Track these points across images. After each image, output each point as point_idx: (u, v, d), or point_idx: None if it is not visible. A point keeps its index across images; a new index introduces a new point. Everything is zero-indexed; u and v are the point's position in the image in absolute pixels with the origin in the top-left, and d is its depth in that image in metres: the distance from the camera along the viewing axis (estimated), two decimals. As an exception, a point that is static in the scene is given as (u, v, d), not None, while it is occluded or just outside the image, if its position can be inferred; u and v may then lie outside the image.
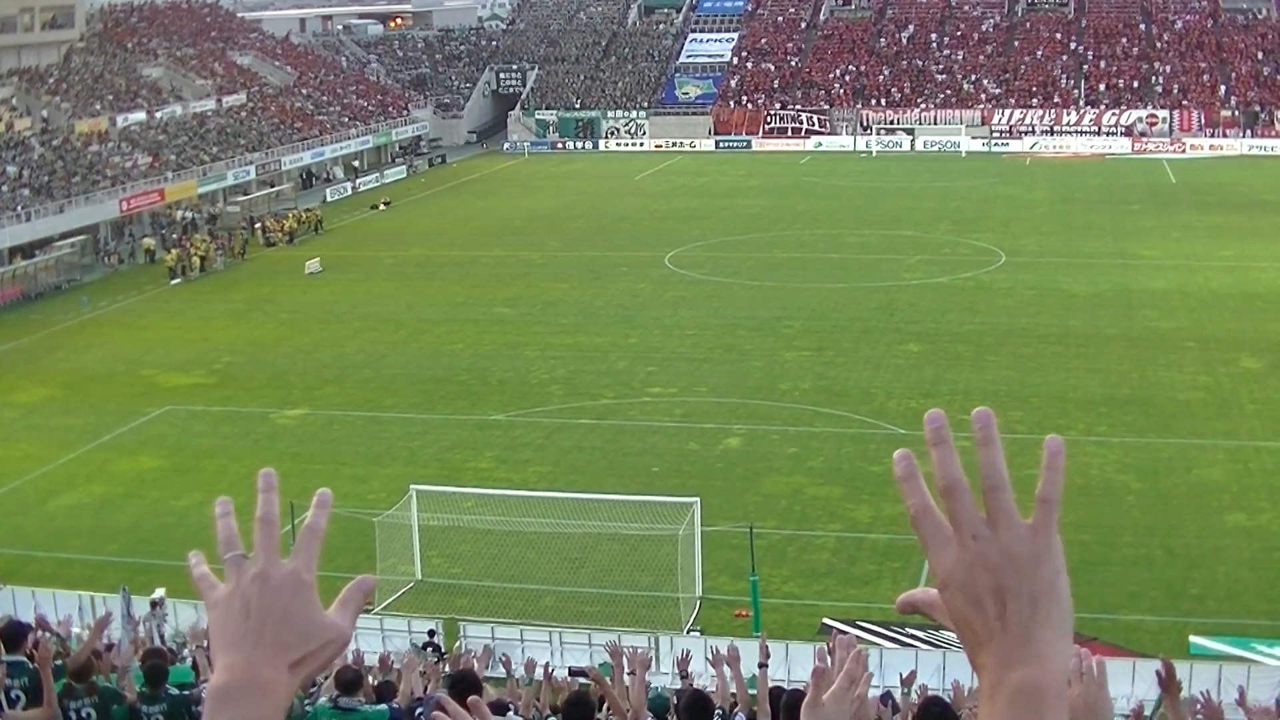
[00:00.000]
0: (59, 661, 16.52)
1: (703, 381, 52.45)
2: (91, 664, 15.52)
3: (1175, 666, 11.31)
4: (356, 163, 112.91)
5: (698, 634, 31.20)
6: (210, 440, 48.11)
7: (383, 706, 14.83)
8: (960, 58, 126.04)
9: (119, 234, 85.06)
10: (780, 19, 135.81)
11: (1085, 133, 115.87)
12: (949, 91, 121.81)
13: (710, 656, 14.89)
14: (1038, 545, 2.23)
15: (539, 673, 19.00)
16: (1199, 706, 11.97)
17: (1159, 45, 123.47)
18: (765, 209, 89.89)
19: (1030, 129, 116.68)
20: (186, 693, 15.41)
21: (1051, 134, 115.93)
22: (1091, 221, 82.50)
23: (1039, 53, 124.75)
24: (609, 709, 14.25)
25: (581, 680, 18.34)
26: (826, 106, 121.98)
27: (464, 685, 12.52)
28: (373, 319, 64.00)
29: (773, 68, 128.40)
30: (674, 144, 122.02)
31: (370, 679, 17.69)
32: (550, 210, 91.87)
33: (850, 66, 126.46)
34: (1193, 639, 30.62)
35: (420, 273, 73.77)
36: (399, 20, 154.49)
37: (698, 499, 34.35)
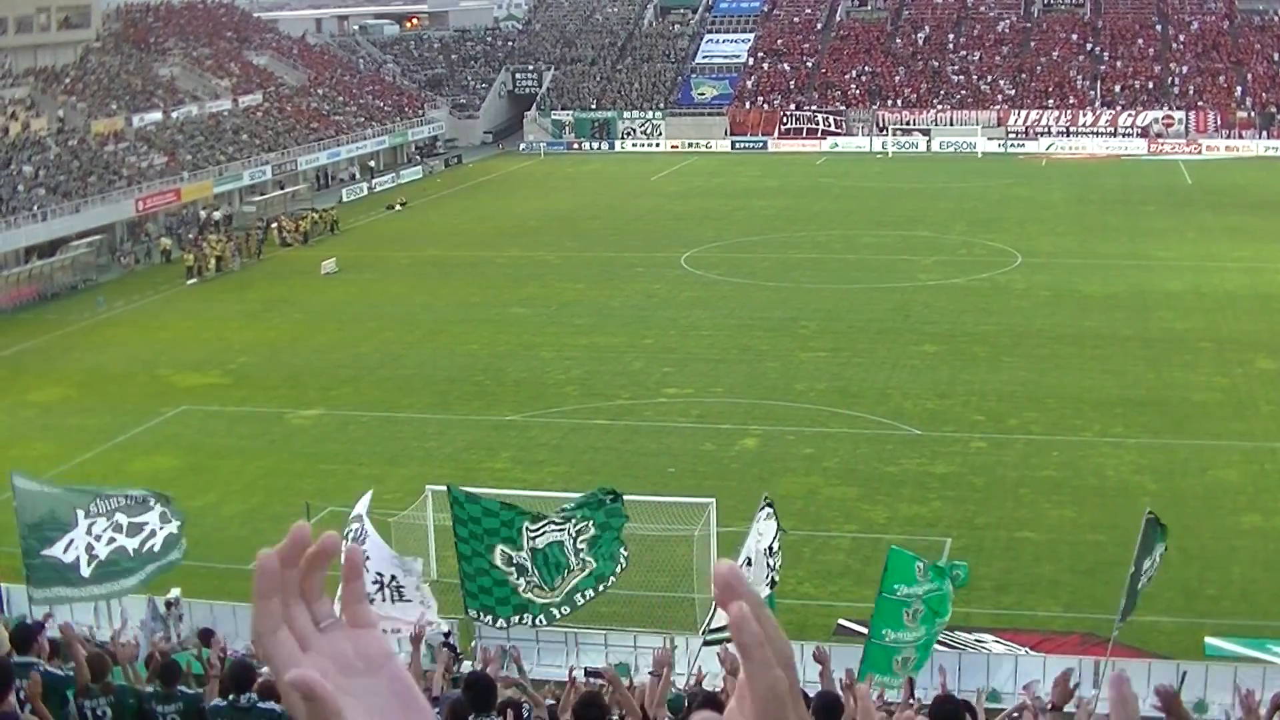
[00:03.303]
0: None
1: (718, 382, 52.44)
2: (107, 663, 15.53)
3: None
4: (372, 163, 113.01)
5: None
6: (226, 440, 48.19)
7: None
8: (976, 59, 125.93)
9: (134, 234, 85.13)
10: (796, 20, 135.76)
11: (1101, 134, 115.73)
12: (965, 92, 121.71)
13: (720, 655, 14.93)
14: None
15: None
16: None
17: (1175, 46, 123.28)
18: (781, 210, 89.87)
19: (1046, 130, 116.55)
20: (200, 690, 15.43)
21: (1067, 135, 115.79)
22: (1107, 222, 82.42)
23: (1055, 54, 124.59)
24: (622, 710, 14.25)
25: (596, 681, 18.32)
26: (842, 107, 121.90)
27: (479, 687, 12.52)
28: (388, 319, 64.05)
29: (789, 68, 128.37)
30: (690, 145, 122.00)
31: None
32: (566, 211, 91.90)
33: (866, 67, 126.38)
34: (1208, 640, 30.57)
35: (436, 273, 73.83)
36: (415, 21, 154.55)
37: (713, 500, 34.32)
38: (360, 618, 2.33)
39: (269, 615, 2.25)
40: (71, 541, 25.81)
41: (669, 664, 15.50)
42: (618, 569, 26.75)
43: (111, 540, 25.94)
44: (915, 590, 24.21)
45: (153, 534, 26.39)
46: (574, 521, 26.54)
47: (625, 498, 36.82)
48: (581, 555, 26.43)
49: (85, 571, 25.83)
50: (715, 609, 26.54)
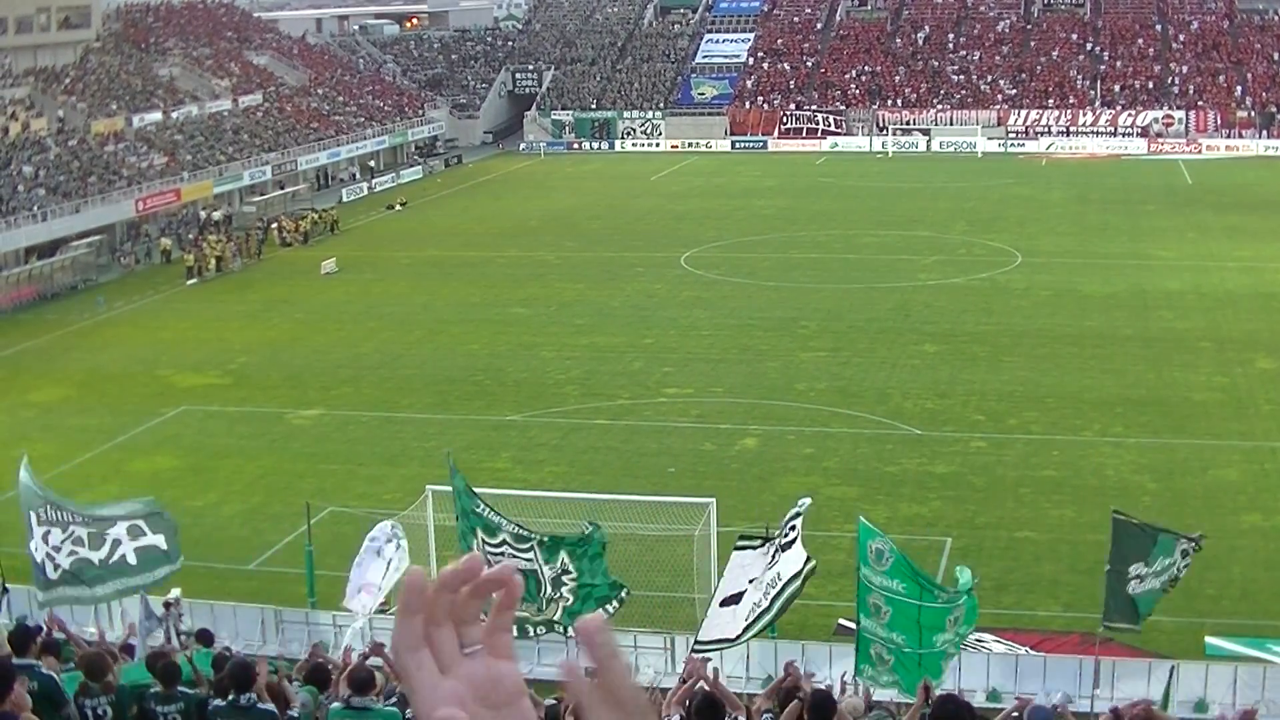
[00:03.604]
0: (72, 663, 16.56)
1: (719, 382, 52.44)
2: (107, 662, 15.54)
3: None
4: (372, 163, 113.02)
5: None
6: (226, 440, 48.18)
7: (394, 709, 14.84)
8: (976, 58, 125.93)
9: (134, 234, 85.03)
10: (796, 19, 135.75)
11: (1101, 133, 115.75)
12: (965, 92, 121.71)
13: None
14: None
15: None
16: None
17: (1175, 46, 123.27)
18: (781, 209, 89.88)
19: (1046, 130, 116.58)
20: (199, 692, 15.41)
21: (1067, 135, 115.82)
22: (1107, 222, 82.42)
23: (1055, 53, 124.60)
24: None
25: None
26: (842, 107, 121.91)
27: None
28: (388, 319, 64.06)
29: (789, 68, 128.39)
30: (690, 144, 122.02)
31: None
32: (566, 211, 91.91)
33: (866, 67, 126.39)
34: (1208, 640, 30.52)
35: (436, 273, 73.83)
36: (415, 21, 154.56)
37: (713, 499, 34.23)
38: (503, 649, 2.35)
39: (411, 633, 2.28)
40: (34, 545, 25.85)
41: (700, 675, 15.67)
42: (597, 608, 26.63)
43: (73, 552, 25.90)
44: (872, 576, 23.90)
45: (117, 544, 26.29)
46: (540, 548, 26.63)
47: (626, 498, 36.97)
48: (560, 590, 26.50)
49: (52, 575, 25.82)
50: (705, 617, 26.55)
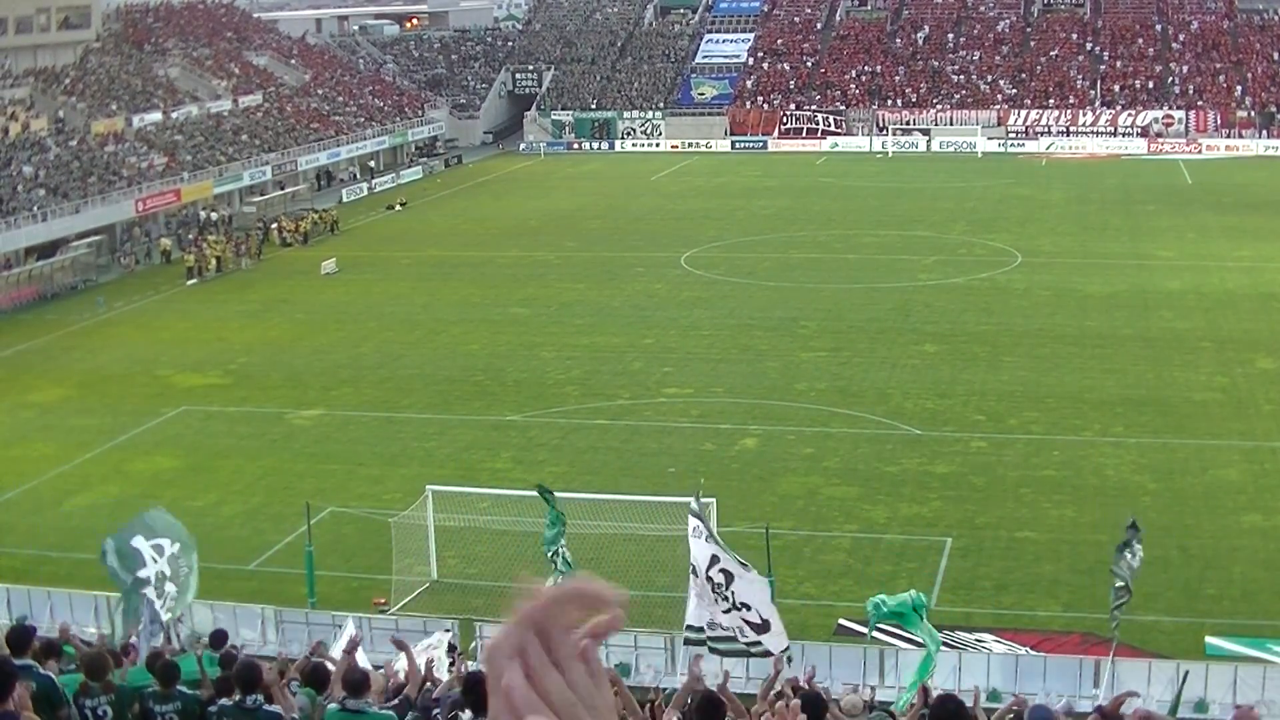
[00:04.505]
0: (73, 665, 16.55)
1: (719, 382, 52.43)
2: (107, 662, 15.53)
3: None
4: (372, 163, 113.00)
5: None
6: (226, 440, 48.16)
7: (389, 713, 14.81)
8: (976, 58, 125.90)
9: (133, 234, 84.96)
10: (796, 19, 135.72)
11: (1101, 133, 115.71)
12: (965, 92, 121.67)
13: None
14: None
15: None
16: None
17: (1175, 46, 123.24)
18: (781, 209, 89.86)
19: (1046, 130, 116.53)
20: (198, 692, 15.39)
21: (1067, 135, 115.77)
22: (1107, 222, 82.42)
23: (1055, 53, 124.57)
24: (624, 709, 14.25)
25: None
26: (842, 107, 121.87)
27: (480, 687, 12.50)
28: (388, 319, 64.04)
29: (789, 68, 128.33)
30: (690, 144, 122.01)
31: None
32: (566, 211, 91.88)
33: (866, 67, 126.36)
34: (1209, 640, 30.56)
35: (436, 273, 73.81)
36: (415, 21, 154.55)
37: (714, 500, 34.25)
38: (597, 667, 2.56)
39: (515, 641, 2.48)
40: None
41: (699, 677, 15.73)
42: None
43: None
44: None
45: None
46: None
47: (626, 498, 37.00)
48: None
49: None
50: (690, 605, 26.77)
